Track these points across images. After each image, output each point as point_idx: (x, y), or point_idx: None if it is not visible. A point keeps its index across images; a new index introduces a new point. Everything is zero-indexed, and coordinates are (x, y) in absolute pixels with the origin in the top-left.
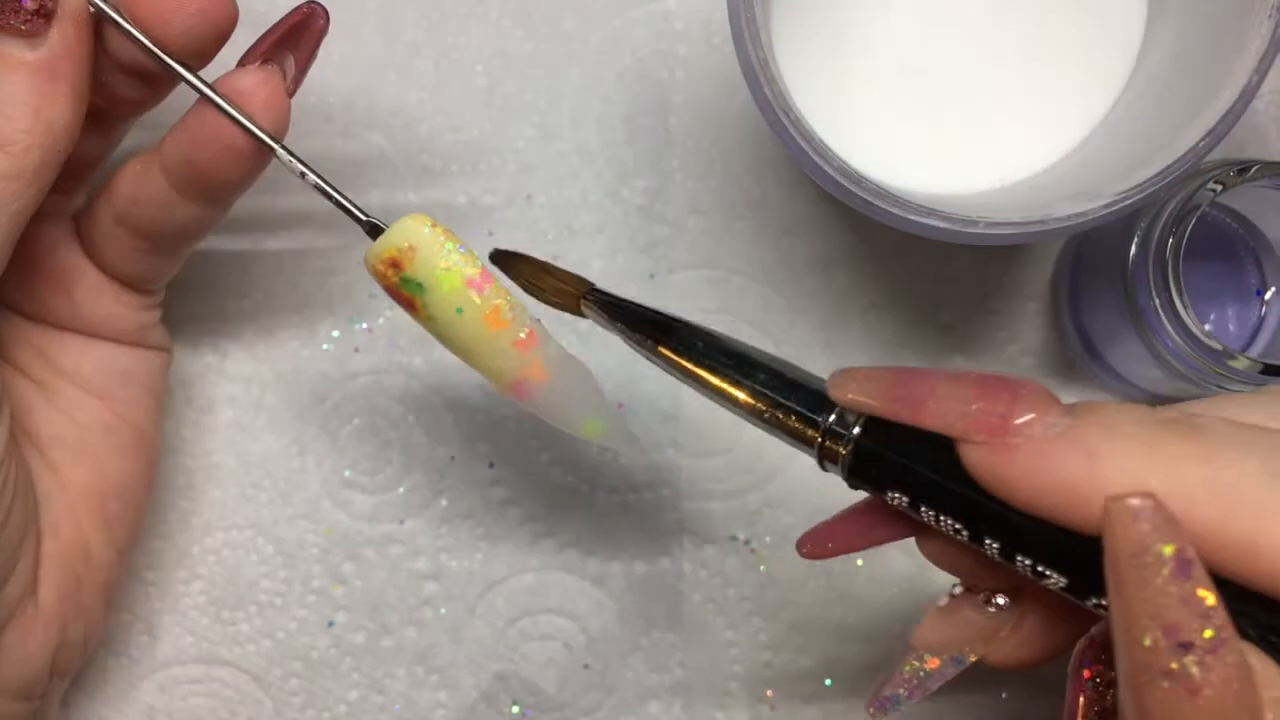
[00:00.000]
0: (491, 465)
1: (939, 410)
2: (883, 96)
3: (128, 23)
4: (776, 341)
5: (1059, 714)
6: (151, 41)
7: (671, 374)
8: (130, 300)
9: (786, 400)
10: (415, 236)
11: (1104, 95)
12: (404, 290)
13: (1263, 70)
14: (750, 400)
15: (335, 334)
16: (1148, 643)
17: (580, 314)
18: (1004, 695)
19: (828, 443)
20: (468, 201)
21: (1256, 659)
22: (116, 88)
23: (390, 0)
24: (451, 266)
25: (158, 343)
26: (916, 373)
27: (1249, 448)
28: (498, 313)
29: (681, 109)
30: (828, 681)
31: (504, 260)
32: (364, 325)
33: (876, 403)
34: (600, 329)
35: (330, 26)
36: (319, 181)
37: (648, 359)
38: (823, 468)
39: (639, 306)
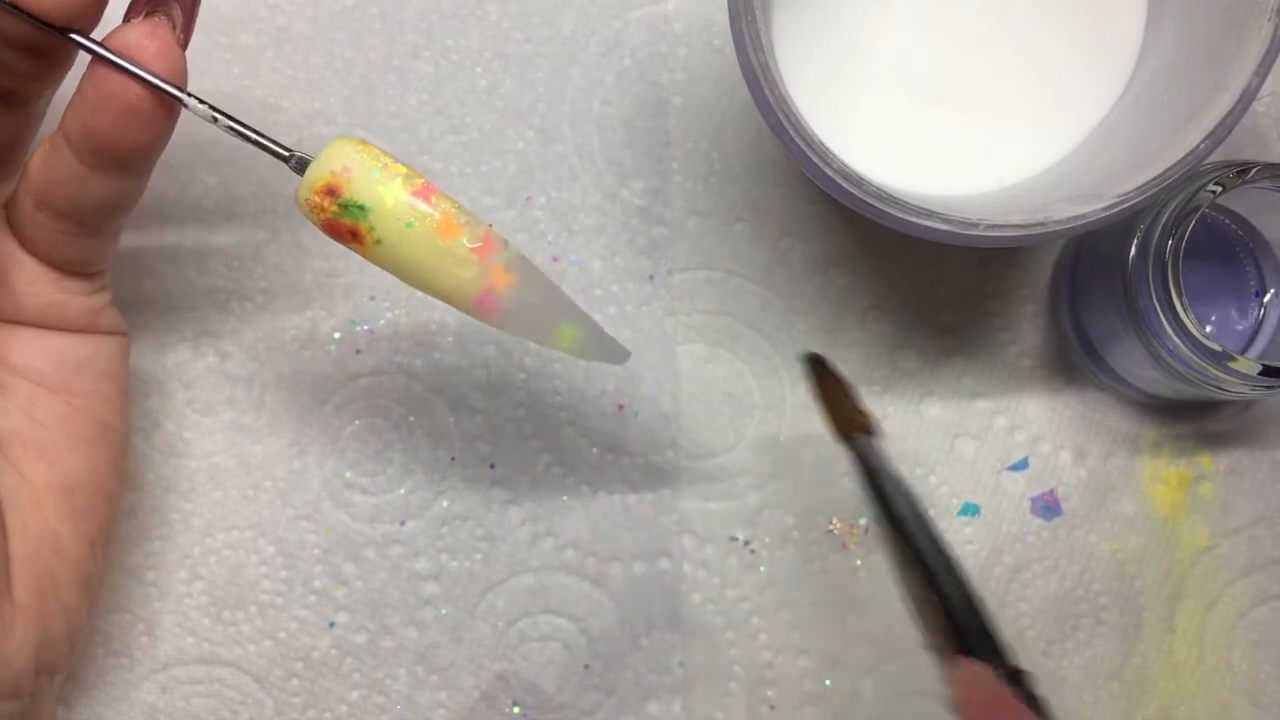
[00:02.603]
0: (492, 466)
1: None
2: (883, 98)
3: None
4: (775, 342)
5: (1058, 715)
6: (29, 12)
7: (884, 542)
8: (73, 286)
9: (956, 640)
10: (347, 157)
11: (1104, 97)
12: (345, 218)
13: (1263, 73)
14: (926, 631)
15: (336, 336)
16: None
17: (842, 441)
18: None
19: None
20: (468, 202)
21: None
22: (11, 64)
23: (390, 2)
24: (392, 180)
25: (111, 327)
26: None
27: None
28: (449, 219)
29: (681, 111)
30: (827, 681)
31: (816, 367)
32: (365, 327)
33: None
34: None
35: (330, 29)
36: (232, 124)
37: (874, 516)
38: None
39: (889, 485)
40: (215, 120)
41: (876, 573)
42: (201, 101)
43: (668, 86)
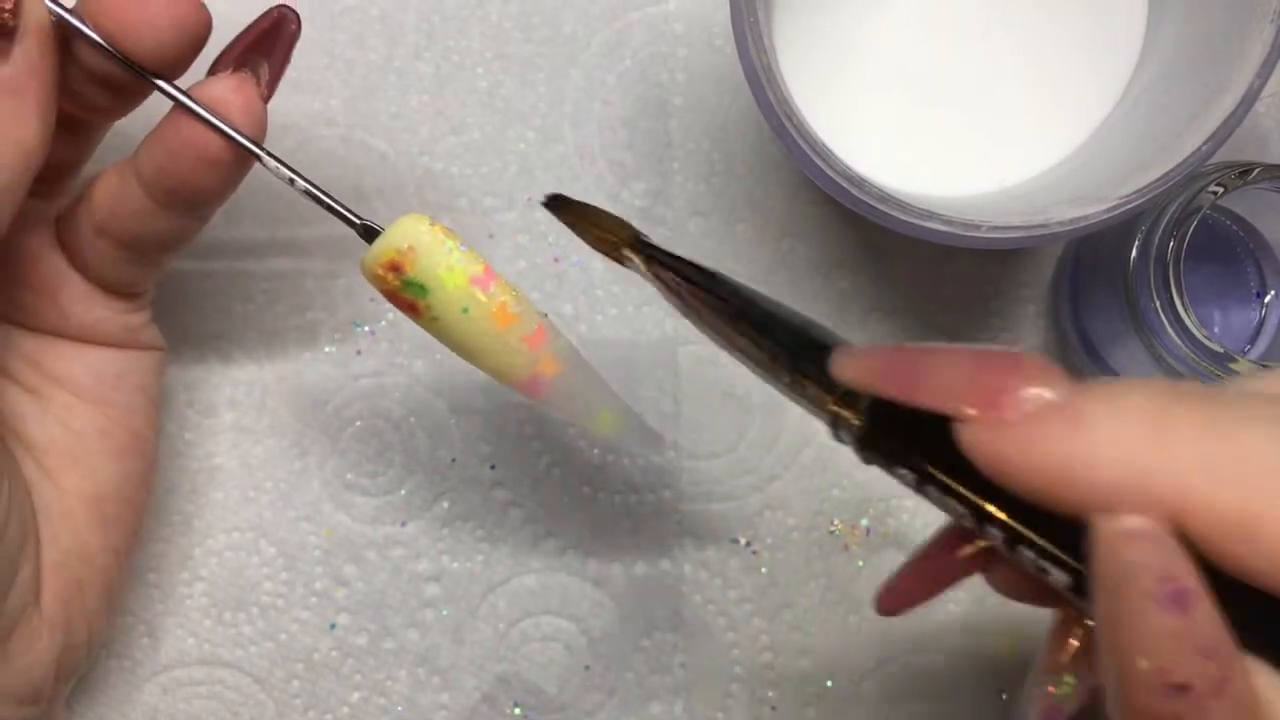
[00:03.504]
0: (493, 467)
1: (934, 387)
2: (884, 99)
3: (95, 35)
4: None
5: None
6: (122, 54)
7: (700, 328)
8: (117, 304)
9: (804, 365)
10: (414, 237)
11: (1105, 98)
12: (406, 294)
13: (1264, 74)
14: (769, 361)
15: (337, 337)
16: (1139, 678)
17: (621, 262)
18: (1004, 696)
19: (841, 412)
20: (469, 204)
21: (1268, 683)
22: (89, 97)
23: (391, 3)
24: (454, 265)
25: (150, 343)
26: (914, 351)
27: (1260, 422)
28: (504, 309)
29: (682, 111)
30: (829, 683)
31: (556, 205)
32: (366, 328)
33: (874, 381)
34: (596, 337)
35: (331, 29)
36: (309, 186)
37: (680, 312)
38: (836, 438)
39: (675, 258)
40: (292, 182)
41: (878, 574)
42: (280, 162)
43: (669, 87)
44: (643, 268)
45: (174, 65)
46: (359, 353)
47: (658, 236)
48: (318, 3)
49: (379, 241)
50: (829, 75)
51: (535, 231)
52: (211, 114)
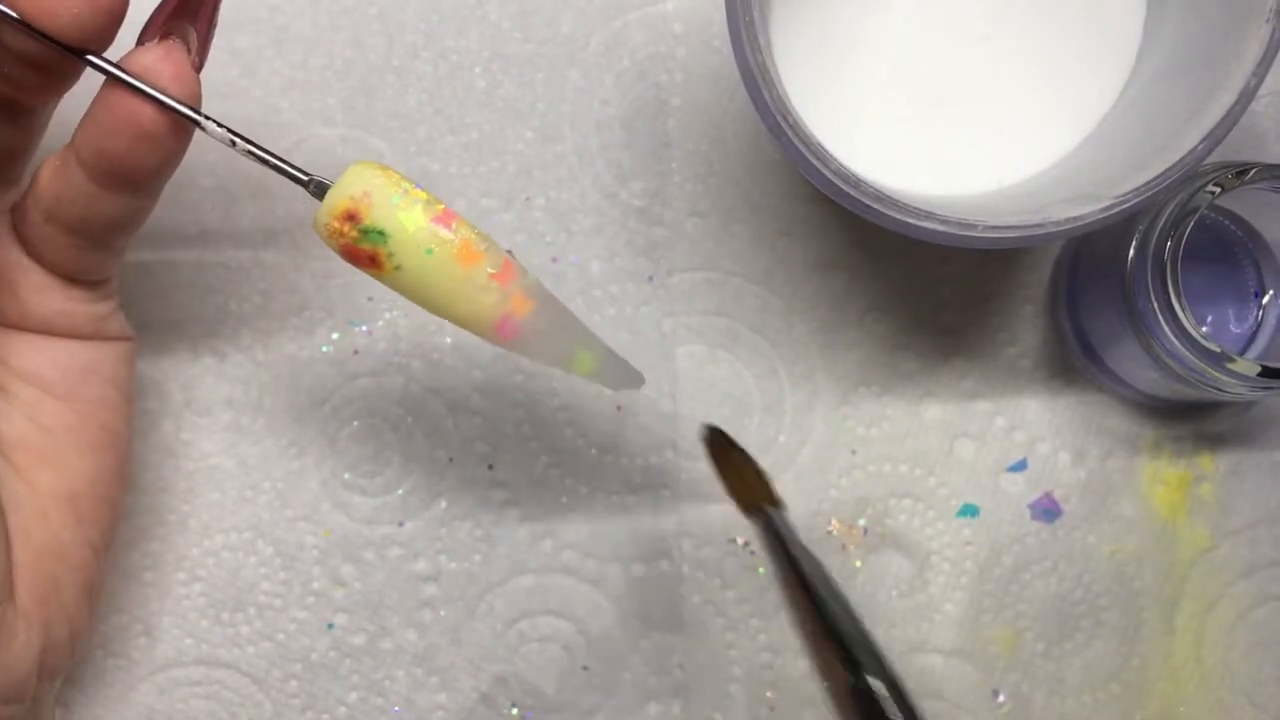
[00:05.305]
0: (491, 467)
1: None
2: (881, 99)
3: (12, 12)
4: (774, 343)
5: (1057, 717)
6: (43, 31)
7: (788, 609)
8: (80, 294)
9: (834, 658)
10: (368, 182)
11: (1102, 98)
12: (365, 244)
13: (1261, 73)
14: (824, 668)
15: (334, 336)
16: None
17: (748, 515)
18: (1001, 699)
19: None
20: (467, 204)
21: None
22: (21, 79)
23: (390, 3)
24: (412, 207)
25: (117, 333)
26: None
27: None
28: (469, 246)
29: (680, 111)
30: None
31: (715, 440)
32: (363, 328)
33: None
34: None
35: (330, 29)
36: (250, 148)
37: (771, 571)
38: None
39: (790, 551)
40: (234, 144)
41: (876, 574)
42: (220, 125)
43: (667, 87)
44: (760, 530)
45: (96, 38)
46: (356, 352)
47: (656, 236)
48: (317, 2)
49: (332, 191)
50: (825, 74)
51: (533, 231)
52: (141, 83)
